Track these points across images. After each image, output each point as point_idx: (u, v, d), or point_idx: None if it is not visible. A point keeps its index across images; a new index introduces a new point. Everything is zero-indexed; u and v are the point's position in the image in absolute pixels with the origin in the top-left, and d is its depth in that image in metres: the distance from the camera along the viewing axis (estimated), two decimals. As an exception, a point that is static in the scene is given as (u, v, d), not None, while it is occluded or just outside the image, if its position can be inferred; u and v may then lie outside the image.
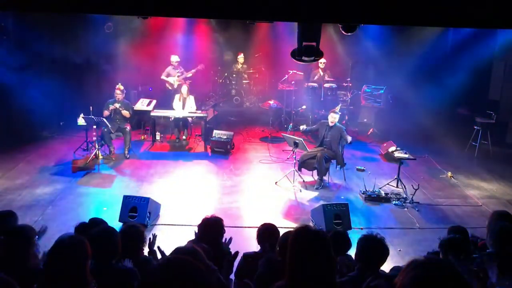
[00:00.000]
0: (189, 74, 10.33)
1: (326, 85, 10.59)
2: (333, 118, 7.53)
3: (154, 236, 3.88)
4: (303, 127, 8.11)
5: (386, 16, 3.57)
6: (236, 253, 3.72)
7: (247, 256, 3.70)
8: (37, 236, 3.21)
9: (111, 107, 8.38)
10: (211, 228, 3.75)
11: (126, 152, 8.48)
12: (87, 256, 2.44)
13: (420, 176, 8.12)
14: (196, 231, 3.83)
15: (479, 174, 8.40)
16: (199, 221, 3.88)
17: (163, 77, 10.30)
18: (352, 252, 3.78)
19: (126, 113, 8.53)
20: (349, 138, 7.46)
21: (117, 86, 8.51)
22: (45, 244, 2.51)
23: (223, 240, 3.84)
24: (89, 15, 9.25)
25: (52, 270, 2.37)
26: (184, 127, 9.66)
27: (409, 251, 5.45)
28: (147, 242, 3.69)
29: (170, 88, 10.33)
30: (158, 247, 3.58)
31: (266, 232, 3.75)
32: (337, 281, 2.51)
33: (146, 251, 3.73)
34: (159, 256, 3.55)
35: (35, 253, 3.14)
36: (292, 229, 2.50)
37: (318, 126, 7.85)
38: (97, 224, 3.70)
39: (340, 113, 7.68)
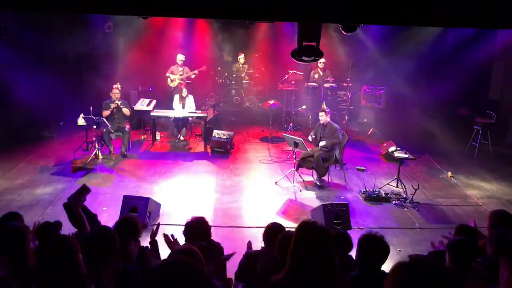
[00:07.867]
0: (193, 75, 10.37)
1: (326, 85, 10.59)
2: (320, 116, 7.57)
3: (157, 226, 3.85)
4: (310, 136, 7.80)
5: (386, 16, 3.57)
6: (231, 254, 3.59)
7: (249, 255, 3.68)
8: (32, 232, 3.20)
9: (113, 105, 8.40)
10: (197, 230, 3.62)
11: (123, 150, 8.48)
12: (75, 250, 2.42)
13: (420, 176, 8.12)
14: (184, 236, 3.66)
15: (479, 174, 8.40)
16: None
17: (167, 74, 10.43)
18: (352, 252, 3.79)
19: (126, 110, 8.57)
20: (324, 142, 7.39)
21: (115, 86, 8.53)
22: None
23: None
24: (89, 15, 9.25)
25: (44, 269, 2.37)
26: (183, 127, 9.67)
27: (409, 251, 5.44)
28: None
29: (170, 85, 10.37)
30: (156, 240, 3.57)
31: (273, 232, 3.70)
32: (338, 280, 2.50)
33: (147, 241, 3.71)
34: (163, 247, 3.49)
35: (31, 252, 3.13)
36: (291, 229, 2.49)
37: (316, 127, 7.85)
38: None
39: (327, 110, 7.62)
